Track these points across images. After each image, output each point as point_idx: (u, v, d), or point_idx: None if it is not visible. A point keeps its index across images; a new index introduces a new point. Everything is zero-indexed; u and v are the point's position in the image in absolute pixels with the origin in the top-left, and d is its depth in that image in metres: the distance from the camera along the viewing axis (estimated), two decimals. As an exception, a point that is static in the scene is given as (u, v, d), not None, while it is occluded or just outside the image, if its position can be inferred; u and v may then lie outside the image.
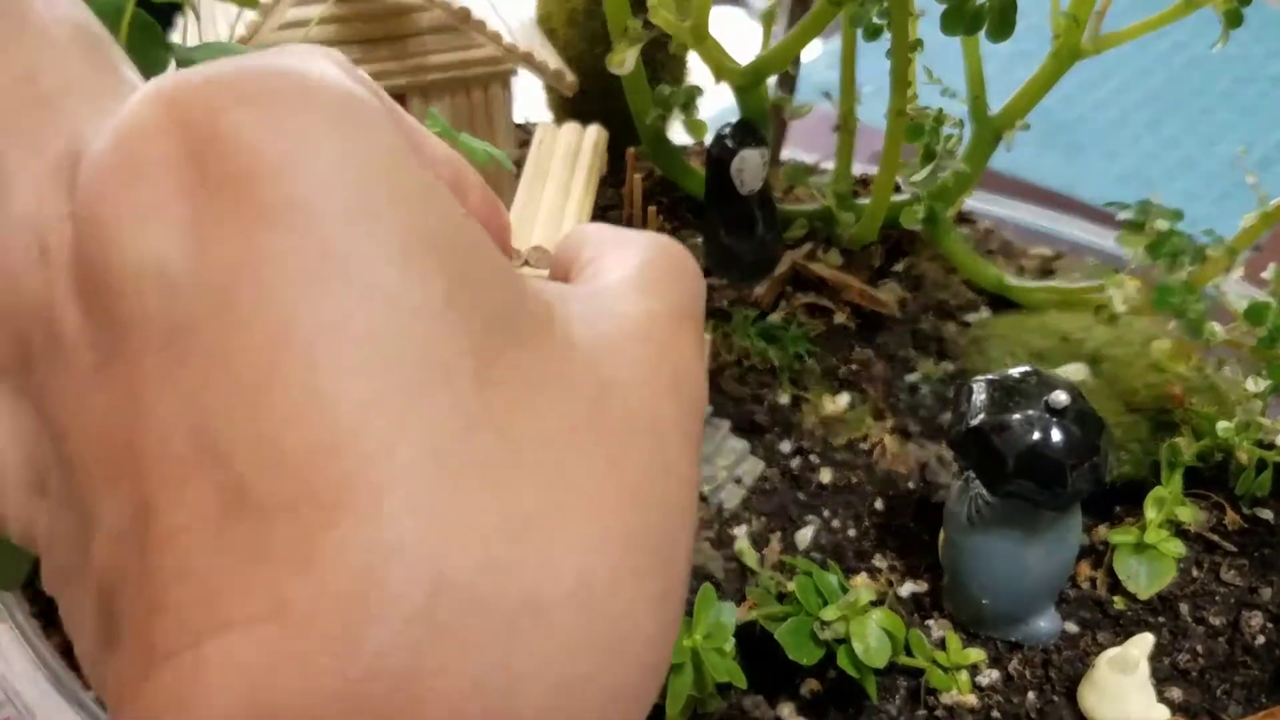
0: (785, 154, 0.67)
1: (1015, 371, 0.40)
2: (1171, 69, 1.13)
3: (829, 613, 0.40)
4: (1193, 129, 1.08)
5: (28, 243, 0.18)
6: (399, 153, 0.17)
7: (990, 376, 0.40)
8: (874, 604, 0.40)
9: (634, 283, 0.21)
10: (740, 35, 0.84)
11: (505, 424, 0.16)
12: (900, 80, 0.45)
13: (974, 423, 0.38)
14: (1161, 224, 0.43)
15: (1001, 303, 0.58)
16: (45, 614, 0.43)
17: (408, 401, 0.15)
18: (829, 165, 0.67)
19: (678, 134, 0.59)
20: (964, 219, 0.64)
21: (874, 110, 0.54)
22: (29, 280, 0.18)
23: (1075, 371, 0.49)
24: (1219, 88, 1.11)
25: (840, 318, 0.55)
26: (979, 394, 0.39)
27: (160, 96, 0.16)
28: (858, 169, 0.59)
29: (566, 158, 0.50)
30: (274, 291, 0.15)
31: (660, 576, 0.18)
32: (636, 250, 0.22)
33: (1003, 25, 0.36)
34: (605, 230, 0.23)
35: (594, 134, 0.52)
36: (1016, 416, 0.38)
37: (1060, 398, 0.37)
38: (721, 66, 0.51)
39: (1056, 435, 0.37)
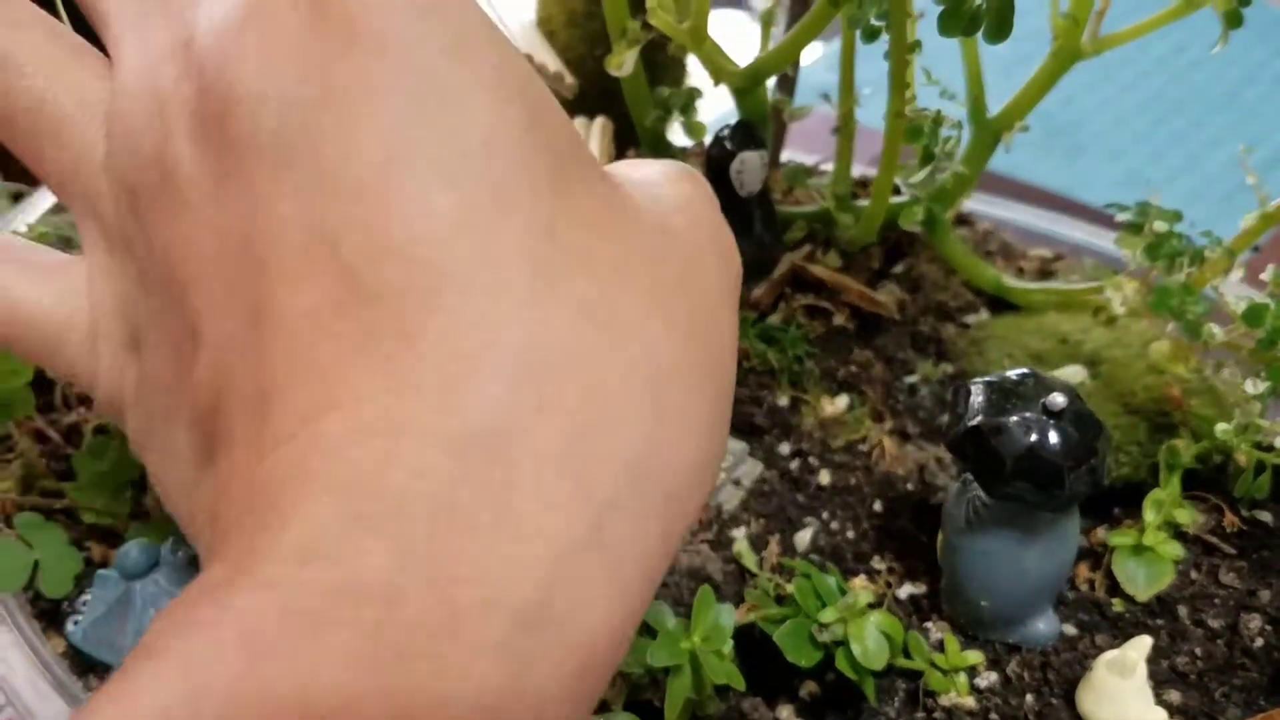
0: (784, 155, 0.67)
1: (1013, 373, 0.40)
2: (1172, 70, 1.13)
3: (827, 615, 0.40)
4: (1194, 131, 1.07)
5: (146, 106, 0.20)
6: (480, 10, 0.20)
7: (988, 378, 0.40)
8: (872, 606, 0.40)
9: (661, 178, 0.24)
10: (740, 36, 0.84)
11: (580, 234, 0.19)
12: (899, 82, 0.45)
13: (971, 424, 0.38)
14: (1160, 225, 0.43)
15: (1000, 304, 0.58)
16: (46, 615, 0.43)
17: (499, 206, 0.18)
18: (828, 167, 0.67)
19: (677, 135, 0.59)
20: (963, 220, 0.64)
21: (873, 112, 0.54)
22: (148, 135, 0.20)
23: (1074, 373, 0.49)
24: (1220, 89, 1.11)
25: (839, 319, 0.55)
26: (976, 395, 0.39)
27: None
28: (857, 171, 0.59)
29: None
30: (384, 109, 0.17)
31: (710, 386, 0.20)
32: (652, 165, 0.25)
33: (1000, 26, 0.36)
34: (619, 164, 0.25)
35: (600, 123, 0.54)
36: (1014, 418, 0.38)
37: (1058, 400, 0.37)
38: (720, 68, 0.51)
39: (1054, 437, 0.37)
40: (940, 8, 0.42)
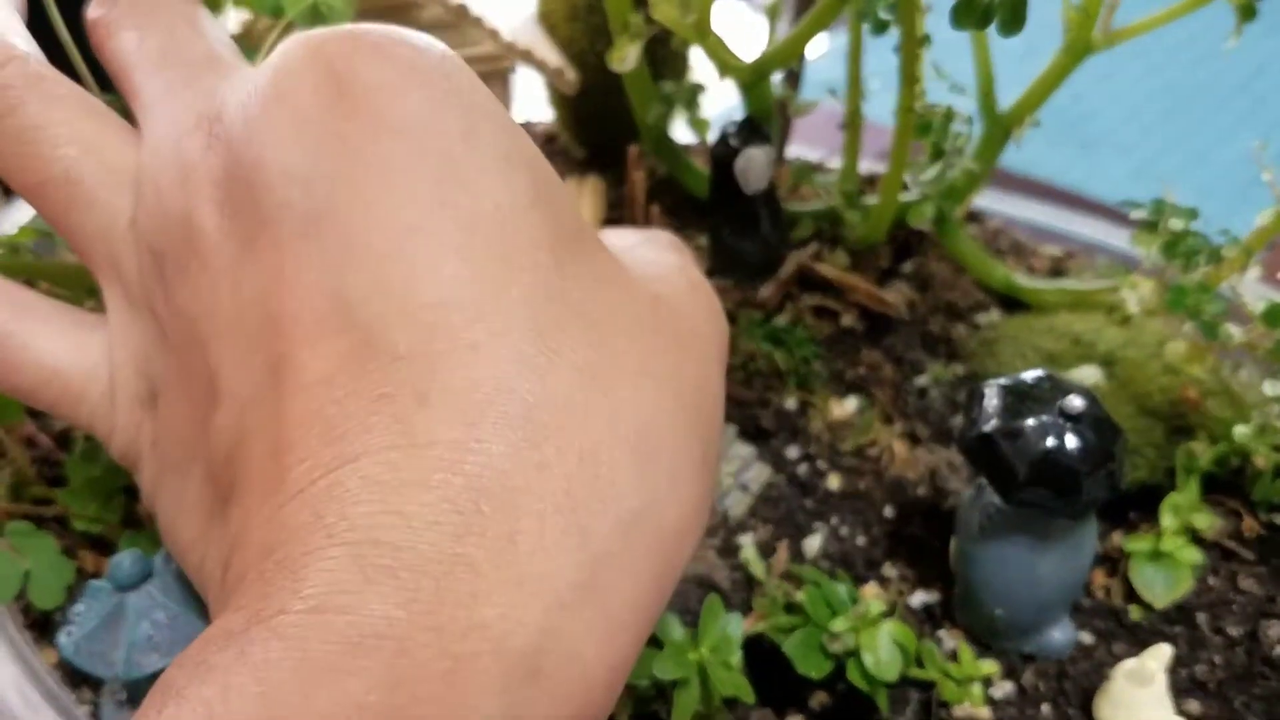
0: (790, 151, 0.66)
1: (1028, 376, 0.39)
2: (1184, 63, 1.12)
3: (838, 624, 0.39)
4: (1207, 123, 1.06)
5: (173, 174, 0.22)
6: (488, 93, 0.21)
7: (1002, 381, 0.39)
8: (884, 615, 0.39)
9: (650, 249, 0.25)
10: (744, 28, 0.83)
11: (579, 300, 0.20)
12: (909, 76, 0.44)
13: (986, 428, 0.37)
14: (1176, 224, 0.42)
15: (1011, 303, 0.57)
16: (37, 626, 0.42)
17: (505, 274, 0.19)
18: (835, 163, 0.66)
19: (680, 131, 0.58)
20: (973, 218, 0.63)
21: (881, 107, 0.53)
22: (174, 201, 0.21)
23: (1088, 374, 0.48)
24: (1232, 81, 1.10)
25: (847, 320, 0.54)
26: (991, 399, 0.38)
27: (307, 43, 0.21)
28: (865, 167, 0.58)
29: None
30: (404, 187, 0.19)
31: (697, 445, 0.21)
32: (638, 234, 0.26)
33: (1014, 19, 0.35)
34: (606, 234, 0.27)
35: (591, 183, 0.57)
36: (1030, 422, 0.37)
37: (1075, 403, 0.36)
38: (725, 63, 0.50)
39: (1071, 441, 0.36)
40: (953, 0, 0.42)
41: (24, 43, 0.25)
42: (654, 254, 0.25)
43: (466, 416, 0.18)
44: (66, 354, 0.24)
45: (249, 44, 0.49)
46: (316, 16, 0.37)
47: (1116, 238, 0.61)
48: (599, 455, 0.19)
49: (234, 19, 0.49)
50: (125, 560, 0.35)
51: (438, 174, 0.19)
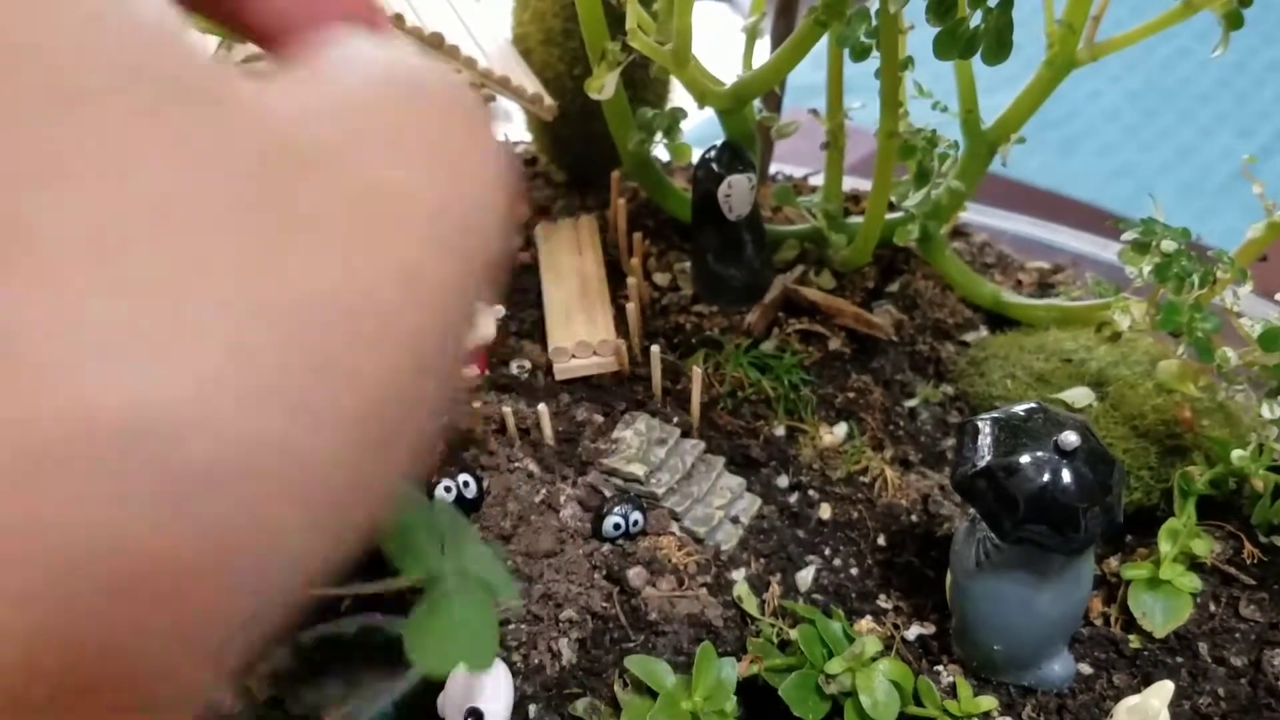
0: (770, 167, 0.65)
1: (1021, 409, 0.38)
2: (1162, 58, 1.11)
3: (834, 665, 0.38)
4: (1187, 120, 1.06)
5: None
6: None
7: (995, 415, 0.38)
8: (880, 653, 0.38)
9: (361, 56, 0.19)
10: (725, 33, 0.82)
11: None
12: (891, 101, 0.43)
13: (980, 465, 0.37)
14: (1169, 245, 0.41)
15: (999, 320, 0.56)
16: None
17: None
18: (816, 179, 0.65)
19: (660, 150, 0.57)
20: (957, 232, 0.62)
21: (862, 113, 0.52)
22: None
23: (1081, 396, 0.48)
24: (1211, 76, 1.10)
25: (835, 343, 0.53)
26: (984, 434, 0.37)
27: None
28: (847, 182, 0.57)
29: (571, 250, 0.56)
30: None
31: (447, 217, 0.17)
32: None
33: (999, 48, 0.34)
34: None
35: (585, 221, 0.58)
36: (1025, 459, 0.36)
37: (1070, 439, 0.36)
38: (705, 91, 0.49)
39: (1067, 477, 0.35)
40: (927, 17, 0.41)
41: None
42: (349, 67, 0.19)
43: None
44: None
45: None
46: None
47: (1105, 250, 0.60)
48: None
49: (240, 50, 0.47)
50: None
51: None
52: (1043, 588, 0.38)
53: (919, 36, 0.46)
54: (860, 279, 0.56)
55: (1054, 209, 0.76)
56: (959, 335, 0.55)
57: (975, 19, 0.34)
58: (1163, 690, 0.37)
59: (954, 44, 0.34)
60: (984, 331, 0.56)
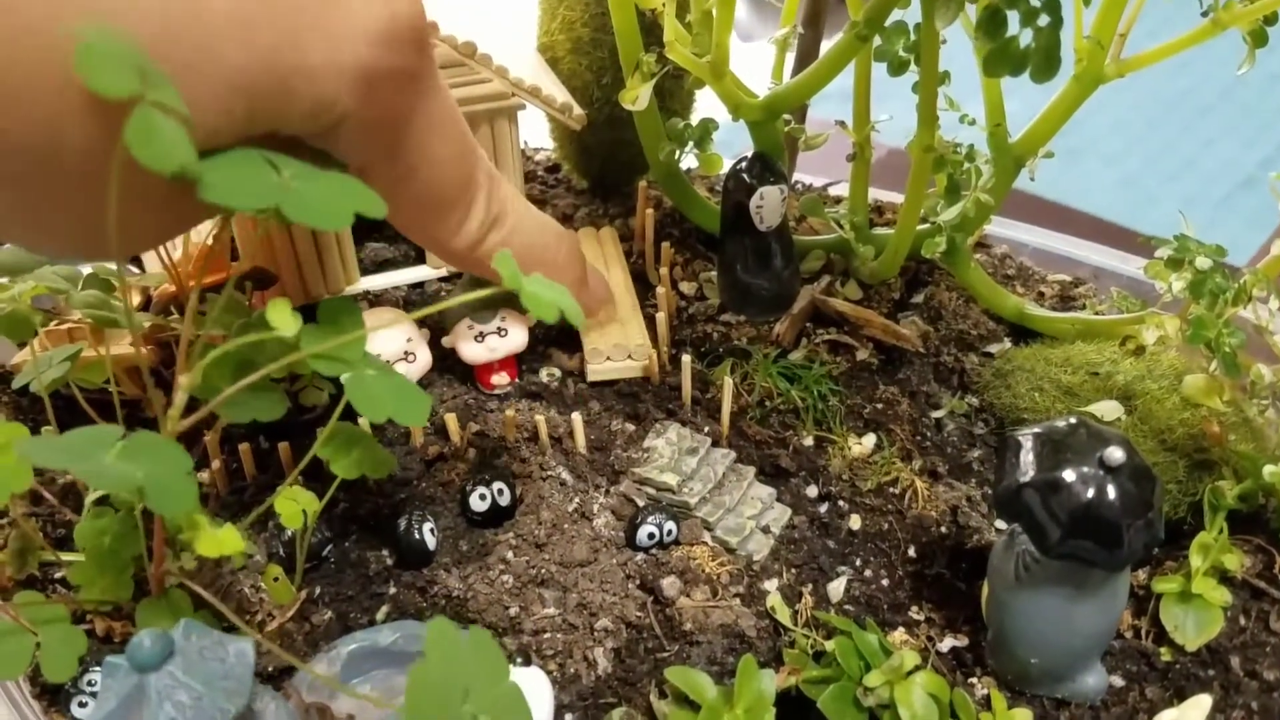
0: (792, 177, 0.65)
1: (1062, 423, 0.38)
2: (1166, 70, 1.12)
3: (873, 679, 0.38)
4: (1191, 130, 1.06)
5: None
6: None
7: (1036, 429, 0.38)
8: (917, 666, 0.39)
9: None
10: (737, 43, 0.82)
11: None
12: (928, 116, 0.43)
13: (1024, 480, 0.37)
14: (1203, 262, 0.42)
15: (1022, 331, 0.56)
16: (47, 694, 0.41)
17: None
18: (838, 189, 0.65)
19: (684, 160, 0.57)
20: (980, 245, 0.63)
21: (888, 130, 0.53)
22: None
23: (1110, 409, 0.48)
24: (1216, 87, 1.10)
25: (862, 354, 0.53)
26: (1026, 449, 0.38)
27: None
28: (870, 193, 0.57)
29: (596, 259, 0.57)
30: None
31: None
32: None
33: (1048, 66, 0.34)
34: None
35: (606, 232, 0.59)
36: (1069, 474, 0.36)
37: (1116, 454, 0.36)
38: (740, 103, 0.49)
39: (1112, 493, 0.36)
40: (960, 30, 0.41)
41: None
42: None
43: None
44: None
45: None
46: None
47: (1127, 263, 0.61)
48: None
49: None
50: (145, 640, 0.33)
51: None
52: (1081, 602, 0.39)
53: (947, 53, 0.46)
54: (886, 290, 0.56)
55: (1062, 221, 0.76)
56: (983, 347, 0.56)
57: (1025, 38, 0.34)
58: (1201, 704, 0.37)
59: (1005, 61, 0.34)
60: (1007, 343, 0.56)
